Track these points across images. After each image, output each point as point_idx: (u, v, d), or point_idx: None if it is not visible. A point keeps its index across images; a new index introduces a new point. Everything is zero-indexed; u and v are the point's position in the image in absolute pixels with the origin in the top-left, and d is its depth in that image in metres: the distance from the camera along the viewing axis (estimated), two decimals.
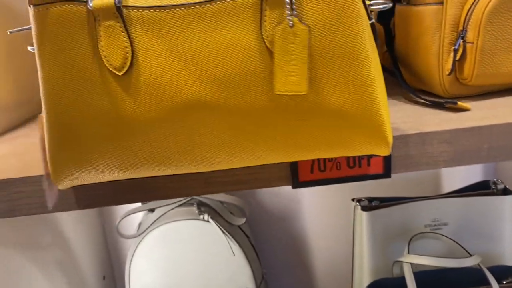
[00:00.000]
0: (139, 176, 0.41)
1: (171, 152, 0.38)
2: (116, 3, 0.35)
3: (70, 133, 0.37)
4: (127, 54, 0.35)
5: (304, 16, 0.35)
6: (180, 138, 0.38)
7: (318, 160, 0.45)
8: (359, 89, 0.36)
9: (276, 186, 0.45)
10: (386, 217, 0.82)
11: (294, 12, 0.34)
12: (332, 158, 0.45)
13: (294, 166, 0.44)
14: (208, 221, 0.82)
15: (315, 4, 0.35)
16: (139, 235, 0.84)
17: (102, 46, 0.35)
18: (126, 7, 0.35)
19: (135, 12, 0.35)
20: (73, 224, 0.89)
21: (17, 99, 0.65)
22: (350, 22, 0.35)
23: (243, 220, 0.86)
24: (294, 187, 0.45)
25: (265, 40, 0.35)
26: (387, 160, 0.45)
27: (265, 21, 0.35)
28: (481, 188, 0.87)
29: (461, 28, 0.54)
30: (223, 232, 0.83)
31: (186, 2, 0.35)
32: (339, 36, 0.35)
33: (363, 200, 0.83)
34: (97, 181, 0.40)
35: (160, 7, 0.35)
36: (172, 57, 0.35)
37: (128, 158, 0.38)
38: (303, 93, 0.35)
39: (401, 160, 0.45)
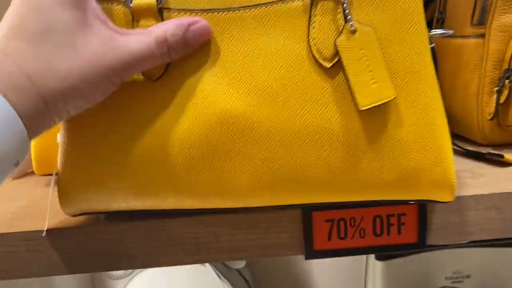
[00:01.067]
0: (154, 208, 0.34)
1: (199, 178, 0.32)
2: (158, 3, 0.32)
3: (90, 147, 0.33)
4: None
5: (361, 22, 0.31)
6: (210, 160, 0.32)
7: (338, 224, 0.36)
8: (422, 112, 0.32)
9: (284, 256, 0.37)
10: (403, 267, 0.74)
11: (349, 17, 0.31)
12: (354, 223, 0.36)
13: (308, 231, 0.36)
14: (203, 263, 0.74)
15: (371, 11, 0.32)
16: (127, 276, 0.77)
17: None
18: (168, 9, 0.33)
19: (176, 14, 0.33)
20: None
21: None
22: (412, 33, 0.32)
23: (243, 263, 0.78)
24: (307, 257, 0.37)
25: (312, 49, 0.32)
26: (422, 227, 0.37)
27: (313, 28, 0.32)
28: (507, 238, 0.78)
29: (506, 66, 0.46)
30: (219, 276, 0.75)
31: (229, 6, 0.32)
32: (400, 48, 0.31)
33: None
34: (107, 209, 0.34)
35: (202, 10, 0.33)
36: (211, 64, 0.32)
37: (151, 180, 0.33)
38: (392, 98, 0.31)
39: (439, 228, 0.37)
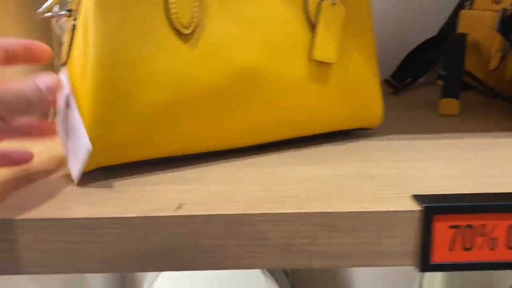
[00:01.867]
0: (175, 154, 0.38)
1: (219, 121, 0.38)
2: None
3: (123, 97, 0.34)
4: (195, 14, 0.36)
5: None
6: (227, 105, 0.38)
7: (464, 231, 0.29)
8: (368, 60, 0.44)
9: (394, 266, 0.30)
10: (464, 275, 0.67)
11: None
12: (484, 232, 0.29)
13: (426, 238, 0.29)
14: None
15: None
16: None
17: (173, 3, 0.35)
18: None
19: None
20: None
21: None
22: (366, 6, 0.44)
23: None
24: (422, 270, 0.30)
25: (309, 15, 0.40)
26: None
27: None
28: None
29: None
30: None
31: None
32: (360, 17, 0.43)
33: None
34: (137, 158, 0.36)
35: None
36: (232, 22, 0.38)
37: (184, 128, 0.37)
38: (332, 62, 0.41)
39: None
